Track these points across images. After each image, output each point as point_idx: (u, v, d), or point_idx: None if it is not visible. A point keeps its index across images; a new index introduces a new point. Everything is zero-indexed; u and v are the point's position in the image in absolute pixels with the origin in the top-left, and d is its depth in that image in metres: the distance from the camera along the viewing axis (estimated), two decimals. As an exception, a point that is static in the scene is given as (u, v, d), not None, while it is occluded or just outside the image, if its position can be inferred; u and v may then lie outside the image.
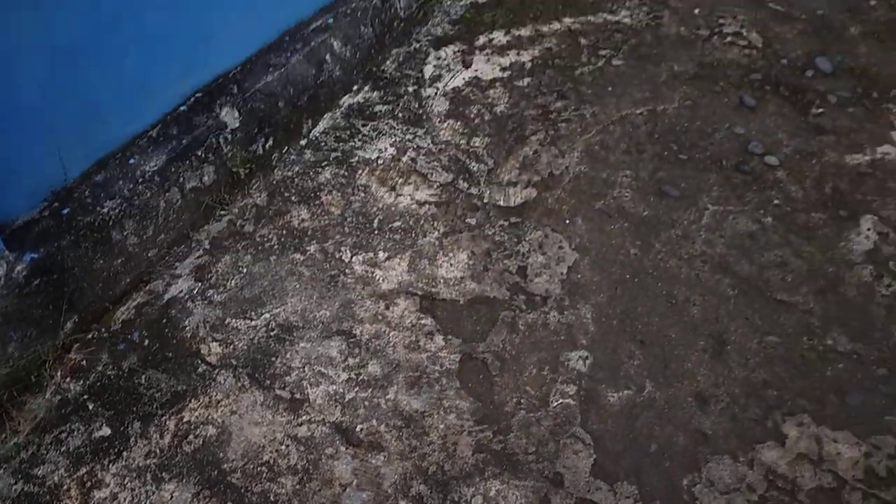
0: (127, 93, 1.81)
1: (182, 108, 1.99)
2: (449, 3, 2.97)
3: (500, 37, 2.78)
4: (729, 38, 2.73)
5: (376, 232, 2.06)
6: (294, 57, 2.26)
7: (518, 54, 2.69)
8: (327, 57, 2.39)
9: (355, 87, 2.54)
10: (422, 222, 2.09)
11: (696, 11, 2.88)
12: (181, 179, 1.92)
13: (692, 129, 2.37)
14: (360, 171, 2.24)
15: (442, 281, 1.93)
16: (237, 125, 2.07)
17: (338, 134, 2.37)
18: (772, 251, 1.98)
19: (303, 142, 2.33)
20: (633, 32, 2.78)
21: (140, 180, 1.82)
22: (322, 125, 2.40)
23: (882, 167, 2.21)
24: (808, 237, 2.01)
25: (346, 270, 1.95)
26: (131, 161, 1.84)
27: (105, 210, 1.75)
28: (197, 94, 2.03)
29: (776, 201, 2.11)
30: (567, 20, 2.85)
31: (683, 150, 2.29)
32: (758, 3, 2.91)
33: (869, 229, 2.03)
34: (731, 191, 2.15)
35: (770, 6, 2.90)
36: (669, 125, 2.39)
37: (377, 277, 1.93)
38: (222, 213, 2.07)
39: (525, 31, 2.80)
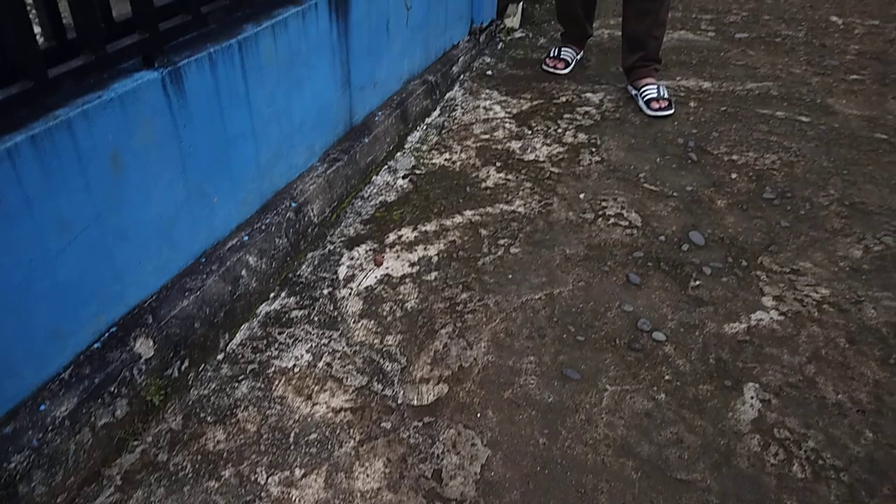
0: (40, 342, 1.87)
1: (96, 345, 2.06)
2: (360, 203, 3.23)
3: (408, 233, 3.02)
4: (612, 220, 3.05)
5: (292, 447, 2.09)
6: (210, 278, 2.40)
7: (425, 249, 2.92)
8: (243, 272, 2.53)
9: (272, 295, 2.68)
10: (338, 431, 2.15)
11: (582, 196, 3.22)
12: (93, 418, 1.94)
13: (587, 309, 2.58)
14: (276, 382, 2.31)
15: (359, 495, 1.96)
16: (152, 354, 2.14)
17: (255, 344, 2.46)
18: (668, 429, 2.11)
19: (220, 356, 2.41)
20: (527, 220, 3.07)
21: (50, 427, 1.84)
22: (239, 337, 2.49)
23: (757, 334, 2.44)
24: (699, 410, 2.17)
25: (262, 494, 1.96)
26: (41, 408, 1.87)
27: (13, 465, 1.74)
28: (112, 329, 2.11)
29: (667, 377, 2.28)
30: (468, 213, 3.13)
31: (580, 332, 2.48)
32: (634, 184, 3.29)
33: (752, 397, 2.20)
34: (626, 369, 2.32)
35: (645, 186, 3.27)
36: (566, 307, 2.59)
37: (293, 498, 1.95)
38: (135, 443, 2.08)
39: (431, 226, 3.05)
